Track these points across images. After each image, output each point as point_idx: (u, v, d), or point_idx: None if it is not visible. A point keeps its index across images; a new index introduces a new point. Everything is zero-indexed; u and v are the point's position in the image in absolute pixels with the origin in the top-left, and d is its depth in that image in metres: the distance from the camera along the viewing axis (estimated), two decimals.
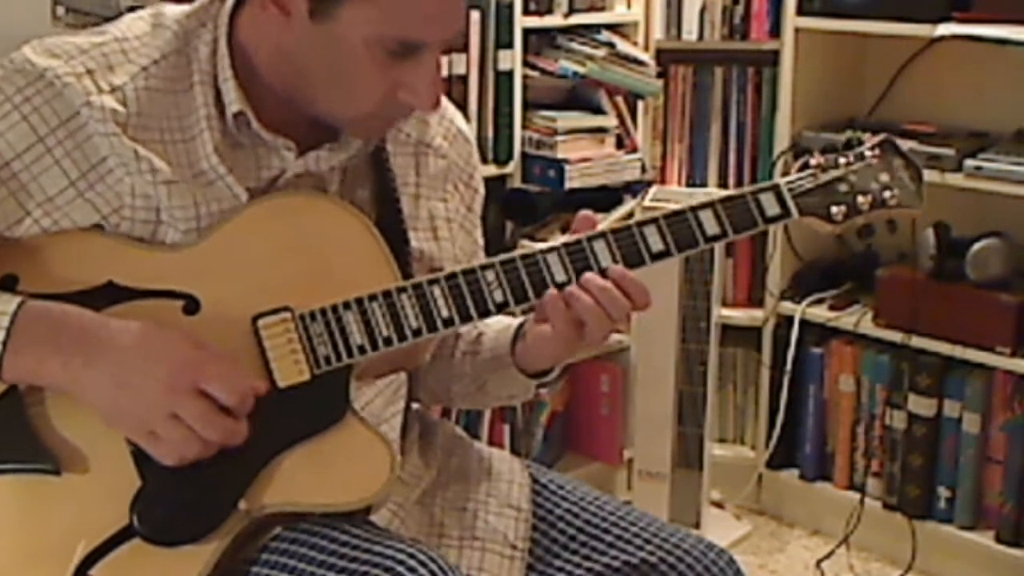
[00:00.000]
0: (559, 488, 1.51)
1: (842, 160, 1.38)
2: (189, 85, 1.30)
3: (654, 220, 1.33)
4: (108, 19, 1.38)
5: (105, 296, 1.26)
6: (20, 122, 1.24)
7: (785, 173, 1.38)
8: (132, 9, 1.40)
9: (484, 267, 1.31)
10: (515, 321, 1.45)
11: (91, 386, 1.22)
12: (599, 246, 1.32)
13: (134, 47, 1.30)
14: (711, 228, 1.33)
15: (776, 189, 1.35)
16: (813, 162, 1.37)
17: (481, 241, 1.55)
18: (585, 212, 1.37)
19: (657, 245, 1.32)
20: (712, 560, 1.41)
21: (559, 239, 1.33)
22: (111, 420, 1.24)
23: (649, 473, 2.81)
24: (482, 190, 1.55)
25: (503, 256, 1.32)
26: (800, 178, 1.37)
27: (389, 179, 1.41)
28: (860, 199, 1.37)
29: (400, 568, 1.21)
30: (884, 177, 1.38)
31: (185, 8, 1.34)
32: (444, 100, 1.50)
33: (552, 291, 1.31)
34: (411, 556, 1.23)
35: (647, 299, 1.33)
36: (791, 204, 1.35)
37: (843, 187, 1.37)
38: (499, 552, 1.43)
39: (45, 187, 1.25)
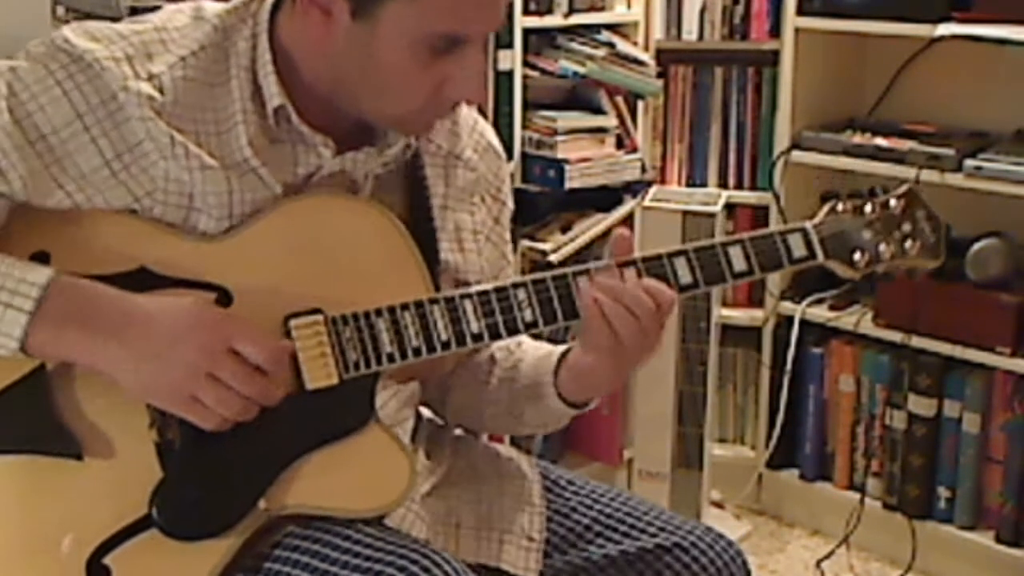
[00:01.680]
0: (569, 484, 1.53)
1: (868, 208, 1.41)
2: (226, 79, 1.30)
3: (684, 252, 1.34)
4: (108, 19, 1.38)
5: (137, 282, 1.27)
6: (61, 97, 1.24)
7: (811, 216, 1.41)
8: (133, 9, 1.41)
9: (516, 285, 1.32)
10: (556, 349, 1.45)
11: (121, 362, 1.21)
12: (629, 274, 1.33)
13: (173, 38, 1.30)
14: (739, 265, 1.35)
15: (804, 232, 1.38)
16: (840, 207, 1.40)
17: (511, 256, 1.55)
18: (621, 231, 1.39)
19: (686, 277, 1.34)
20: (723, 548, 1.44)
21: (590, 264, 1.33)
22: (146, 394, 1.24)
23: (649, 473, 2.81)
24: (511, 204, 1.55)
25: (534, 275, 1.33)
26: (826, 222, 1.39)
27: (423, 188, 1.42)
28: (882, 248, 1.41)
29: (414, 568, 1.22)
30: (907, 227, 1.42)
31: (225, 4, 1.34)
32: (476, 115, 1.50)
33: (583, 285, 1.31)
34: (425, 556, 1.24)
35: (669, 296, 1.32)
36: (818, 247, 1.38)
37: (867, 234, 1.40)
38: (516, 543, 1.45)
39: (80, 164, 1.25)
